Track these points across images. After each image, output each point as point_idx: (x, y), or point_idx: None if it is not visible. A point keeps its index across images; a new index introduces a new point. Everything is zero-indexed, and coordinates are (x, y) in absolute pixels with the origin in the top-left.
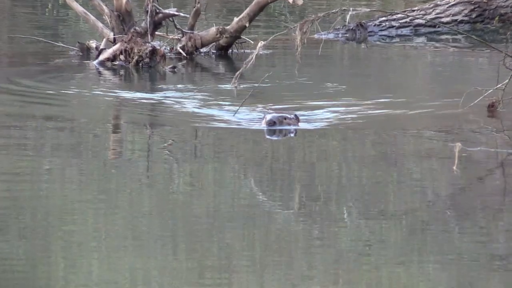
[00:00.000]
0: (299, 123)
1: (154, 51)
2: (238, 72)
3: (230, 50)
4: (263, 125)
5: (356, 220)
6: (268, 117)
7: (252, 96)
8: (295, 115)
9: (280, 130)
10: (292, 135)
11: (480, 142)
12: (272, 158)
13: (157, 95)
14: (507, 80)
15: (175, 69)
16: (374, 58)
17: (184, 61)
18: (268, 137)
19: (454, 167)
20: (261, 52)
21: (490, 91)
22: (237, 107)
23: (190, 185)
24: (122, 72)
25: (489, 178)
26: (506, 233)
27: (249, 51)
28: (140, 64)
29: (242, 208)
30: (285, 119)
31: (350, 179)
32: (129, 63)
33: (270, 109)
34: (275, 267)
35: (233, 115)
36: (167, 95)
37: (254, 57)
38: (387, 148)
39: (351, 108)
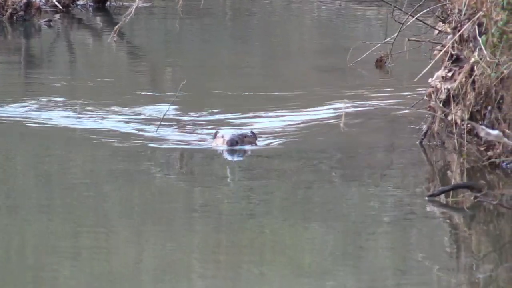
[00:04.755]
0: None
1: (29, 4)
2: (117, 26)
3: (108, 3)
4: (220, 145)
5: (239, 181)
6: (228, 136)
7: (131, 54)
8: (252, 132)
9: (240, 150)
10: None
11: (368, 98)
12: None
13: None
14: (395, 34)
15: (51, 23)
16: (250, 11)
17: (60, 14)
18: (228, 157)
19: (341, 124)
20: (140, 5)
21: (378, 46)
22: (158, 124)
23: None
24: None
25: (376, 136)
26: (392, 193)
27: (127, 3)
28: (14, 17)
29: (121, 172)
30: (245, 137)
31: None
32: (3, 16)
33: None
34: (155, 230)
35: (156, 131)
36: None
37: (133, 10)
38: (265, 105)
39: (253, 90)
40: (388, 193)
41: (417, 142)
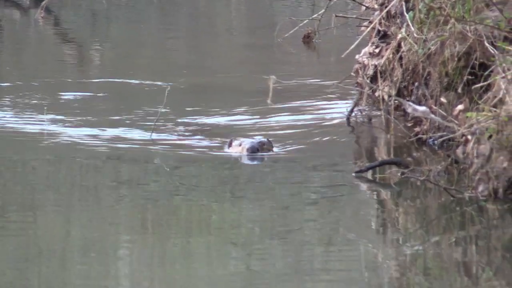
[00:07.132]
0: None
1: None
2: (44, 2)
3: None
4: (239, 152)
5: (168, 164)
6: (248, 144)
7: (58, 31)
8: (268, 140)
9: (260, 157)
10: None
11: (294, 74)
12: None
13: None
14: (323, 10)
15: None
16: None
17: None
18: (248, 162)
19: (268, 100)
20: None
21: (305, 22)
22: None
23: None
24: None
25: (303, 113)
26: (319, 169)
27: None
28: None
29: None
30: (264, 145)
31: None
32: None
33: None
34: (82, 207)
35: (150, 137)
36: None
37: None
38: (195, 80)
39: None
40: (315, 169)
41: (344, 119)
